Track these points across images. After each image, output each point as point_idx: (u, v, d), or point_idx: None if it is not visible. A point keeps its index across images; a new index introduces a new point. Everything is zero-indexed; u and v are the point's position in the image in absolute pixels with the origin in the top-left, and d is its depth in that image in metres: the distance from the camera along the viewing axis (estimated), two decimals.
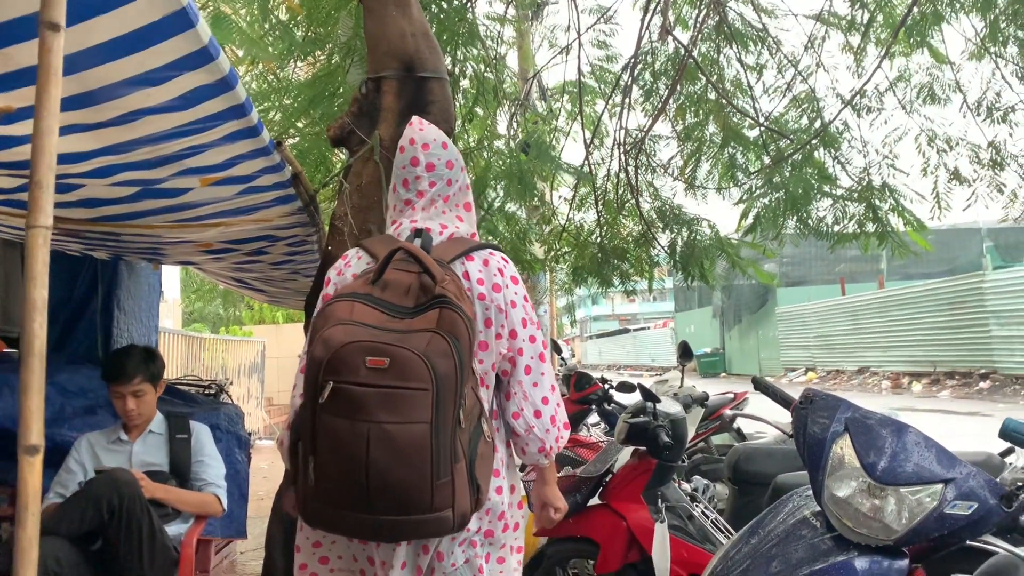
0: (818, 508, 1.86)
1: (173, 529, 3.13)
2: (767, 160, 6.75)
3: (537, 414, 1.99)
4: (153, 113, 2.39)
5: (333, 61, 5.16)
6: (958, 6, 6.40)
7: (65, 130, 2.37)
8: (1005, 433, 1.84)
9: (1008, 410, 11.95)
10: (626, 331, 47.74)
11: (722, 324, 31.42)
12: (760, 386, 2.25)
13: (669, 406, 3.19)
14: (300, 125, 5.42)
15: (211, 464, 3.36)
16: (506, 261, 2.09)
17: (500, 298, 2.00)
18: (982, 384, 16.33)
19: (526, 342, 2.00)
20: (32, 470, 1.27)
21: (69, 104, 2.21)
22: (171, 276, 14.60)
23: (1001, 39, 6.36)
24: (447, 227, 2.15)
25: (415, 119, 2.38)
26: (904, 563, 1.71)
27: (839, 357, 22.69)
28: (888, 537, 1.71)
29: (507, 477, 2.03)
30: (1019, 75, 6.41)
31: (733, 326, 30.55)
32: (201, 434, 3.41)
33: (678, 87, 6.94)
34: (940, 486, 1.69)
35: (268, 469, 8.48)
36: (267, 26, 4.87)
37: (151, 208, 3.32)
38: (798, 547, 1.81)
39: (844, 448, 1.78)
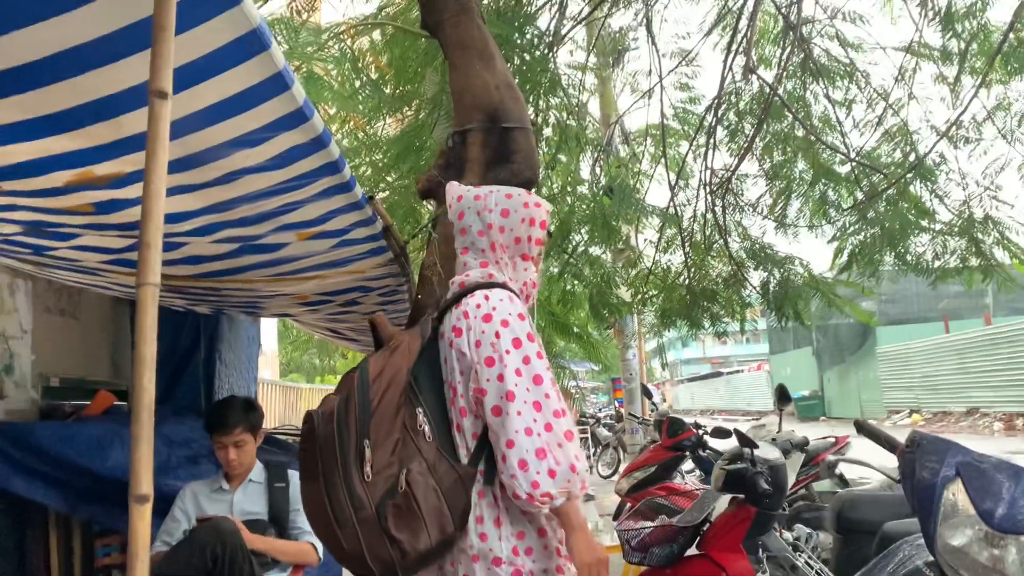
0: (931, 558, 1.76)
1: None
2: (860, 196, 6.57)
3: (503, 459, 1.92)
4: (252, 172, 2.50)
5: (420, 116, 5.32)
6: None
7: (170, 191, 2.50)
8: None
9: None
10: (719, 374, 46.69)
11: (820, 366, 30.41)
12: (863, 429, 2.15)
13: (767, 452, 3.08)
14: (390, 179, 5.58)
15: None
16: (486, 298, 2.08)
17: (462, 342, 2.06)
18: None
19: (491, 382, 1.98)
20: (142, 518, 1.31)
21: (174, 167, 2.33)
22: (268, 328, 15.08)
23: None
24: (463, 275, 2.26)
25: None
26: None
27: (945, 398, 21.63)
28: None
29: (503, 523, 1.99)
30: None
31: (832, 367, 29.53)
32: (298, 482, 3.48)
33: (764, 125, 6.86)
34: None
35: None
36: (357, 84, 5.05)
37: (250, 263, 3.46)
38: None
39: (957, 494, 1.69)
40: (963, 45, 6.15)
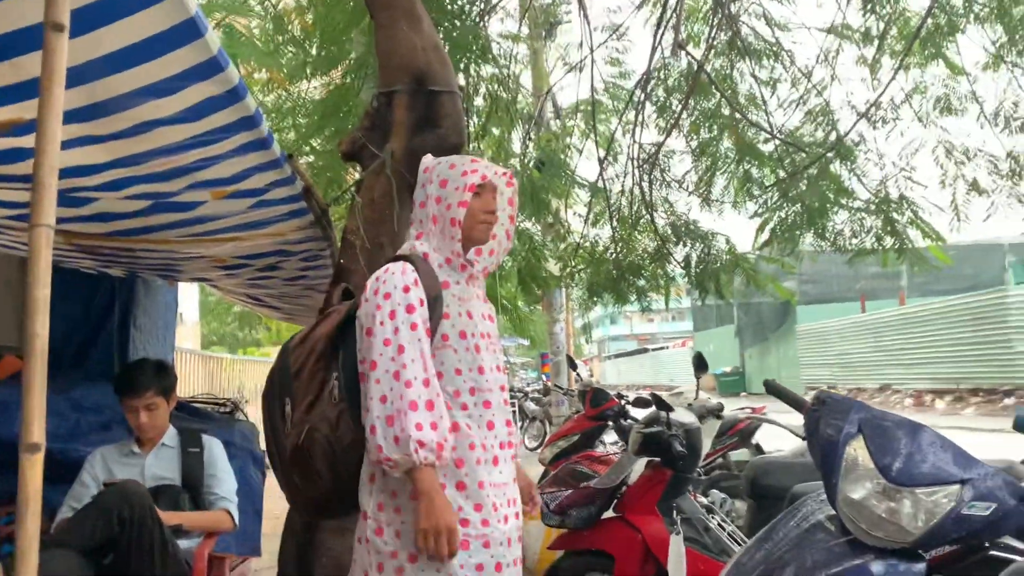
0: (832, 512, 1.82)
1: (185, 543, 3.12)
2: (782, 174, 6.71)
3: (363, 423, 2.07)
4: (163, 125, 2.41)
5: (346, 78, 5.21)
6: (973, 16, 6.36)
7: (76, 142, 2.40)
8: (1019, 425, 1.80)
9: None
10: (644, 351, 47.51)
11: (742, 343, 31.20)
12: (773, 389, 2.21)
13: (682, 416, 3.15)
14: (314, 143, 5.46)
15: (223, 479, 3.35)
16: (385, 271, 2.19)
17: (360, 313, 2.20)
18: (1007, 401, 16.08)
19: (365, 350, 2.13)
20: (33, 468, 1.26)
21: (79, 116, 2.23)
22: (190, 299, 14.71)
23: (1017, 49, 6.31)
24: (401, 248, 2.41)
25: None
26: (922, 566, 1.67)
27: (860, 375, 22.45)
28: (905, 540, 1.66)
29: (377, 480, 2.12)
30: None
31: (753, 345, 30.33)
32: (214, 448, 3.41)
33: (692, 102, 6.94)
34: (957, 487, 1.65)
35: None
36: (280, 40, 4.92)
37: (164, 222, 3.35)
38: (812, 551, 1.77)
39: (858, 450, 1.74)
40: (882, 26, 6.31)
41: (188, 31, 1.98)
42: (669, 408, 3.10)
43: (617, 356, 54.33)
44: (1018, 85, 6.37)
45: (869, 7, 6.15)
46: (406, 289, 2.11)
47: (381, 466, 2.02)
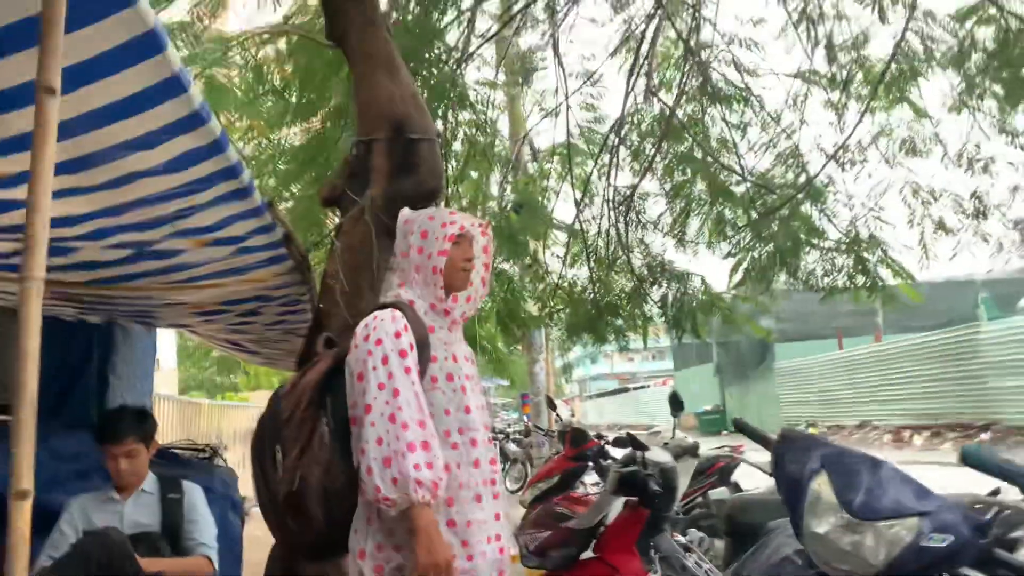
0: (800, 546, 1.88)
1: None
2: (754, 215, 6.86)
3: (359, 465, 2.15)
4: (146, 176, 2.47)
5: (326, 126, 5.31)
6: (934, 63, 6.59)
7: (61, 193, 2.45)
8: (964, 459, 1.87)
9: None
10: (625, 390, 47.45)
11: (722, 381, 31.30)
12: (741, 428, 2.28)
13: (658, 455, 3.20)
14: (294, 189, 5.54)
15: (203, 525, 3.35)
16: (374, 318, 2.28)
17: (350, 359, 2.28)
18: (983, 436, 16.23)
19: (358, 395, 2.20)
20: (22, 514, 1.30)
21: (65, 168, 2.29)
22: (167, 344, 14.63)
23: (977, 93, 6.54)
24: (383, 296, 2.49)
25: None
26: None
27: (839, 412, 22.57)
28: (867, 572, 1.72)
29: (374, 521, 2.19)
30: (996, 127, 6.58)
31: (733, 383, 30.44)
32: (193, 494, 3.41)
33: (665, 146, 7.11)
34: (916, 519, 1.71)
35: (264, 536, 8.36)
36: (261, 90, 5.01)
37: (145, 270, 3.39)
38: None
39: (822, 485, 1.81)
40: (846, 73, 6.52)
41: (172, 87, 2.05)
42: (644, 448, 3.16)
43: (599, 396, 54.21)
44: (979, 128, 6.58)
45: (830, 56, 6.35)
46: (397, 335, 2.21)
47: (379, 505, 2.08)
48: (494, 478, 2.35)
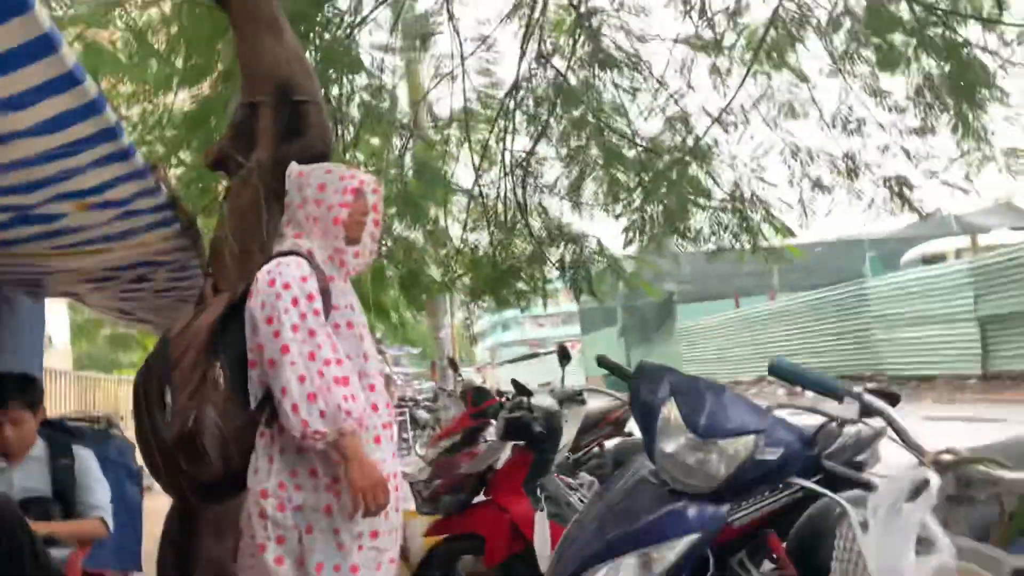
0: (654, 467, 2.07)
1: (58, 553, 3.12)
2: (645, 177, 7.10)
3: (279, 404, 2.21)
4: (20, 137, 2.45)
5: (216, 89, 5.23)
6: (810, 29, 6.91)
7: None
8: (771, 370, 2.09)
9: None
10: (536, 355, 47.66)
11: (627, 343, 32.11)
12: (603, 364, 2.45)
13: (542, 400, 3.38)
14: (183, 155, 5.45)
15: (95, 487, 3.37)
16: (277, 265, 2.36)
17: (251, 304, 2.33)
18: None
19: (268, 337, 2.25)
20: None
21: None
22: (60, 322, 14.10)
23: (849, 57, 6.90)
24: (278, 246, 2.54)
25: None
26: (726, 507, 1.93)
27: (737, 369, 23.52)
28: (712, 484, 1.92)
29: (275, 460, 2.28)
30: (867, 91, 6.97)
31: (638, 345, 31.26)
32: (86, 459, 3.41)
33: (559, 111, 7.26)
34: (752, 436, 1.92)
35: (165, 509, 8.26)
36: (145, 54, 4.91)
37: (26, 235, 3.33)
38: (638, 500, 2.01)
39: (671, 410, 2.00)
40: (728, 38, 6.80)
41: (42, 46, 2.05)
42: (529, 393, 3.33)
43: (510, 362, 54.66)
44: (852, 91, 6.95)
45: (711, 23, 6.61)
46: (303, 279, 2.30)
47: (306, 440, 2.16)
48: (389, 421, 2.48)
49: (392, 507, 2.38)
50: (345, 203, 2.48)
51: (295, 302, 2.25)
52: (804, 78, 7.22)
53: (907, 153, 6.82)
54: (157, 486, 2.70)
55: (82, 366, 16.01)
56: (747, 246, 7.23)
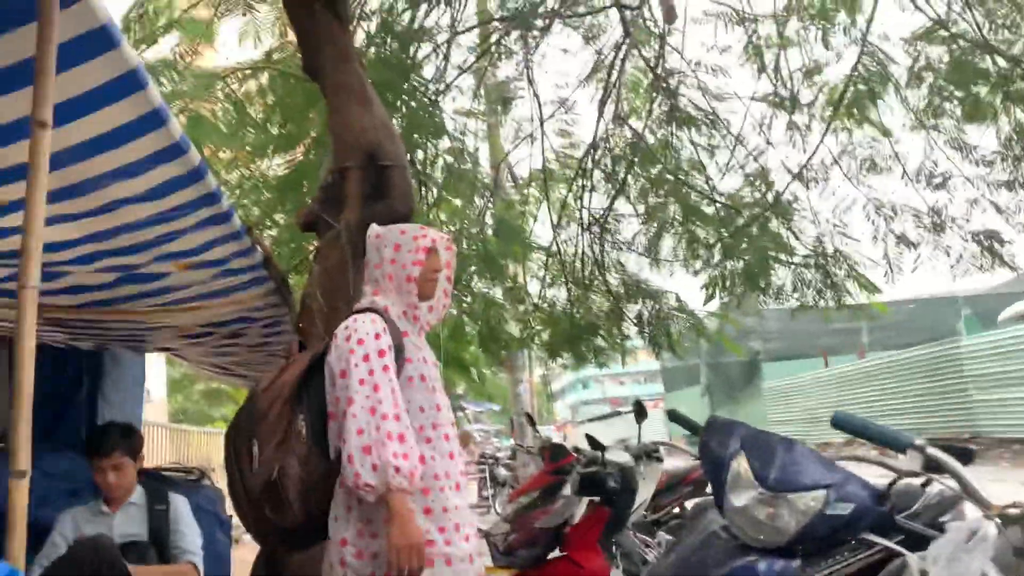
0: (724, 521, 2.07)
1: None
2: (725, 233, 7.10)
3: (341, 454, 2.30)
4: (131, 203, 2.67)
5: (308, 156, 5.53)
6: (891, 84, 6.86)
7: (53, 220, 2.65)
8: (834, 423, 2.07)
9: (991, 472, 12.11)
10: (618, 413, 47.09)
11: (711, 402, 31.42)
12: (673, 417, 2.47)
13: (617, 455, 3.39)
14: (277, 218, 5.74)
15: (187, 533, 3.51)
16: (353, 320, 2.48)
17: (330, 358, 2.47)
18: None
19: (341, 390, 2.38)
20: (20, 492, 1.49)
21: (55, 196, 2.49)
22: (157, 375, 14.73)
23: (933, 112, 6.81)
24: (357, 303, 2.68)
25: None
26: (796, 562, 1.91)
27: (826, 430, 22.58)
28: (781, 539, 1.92)
29: (353, 509, 2.36)
30: (953, 144, 6.85)
31: (723, 404, 30.54)
32: (179, 505, 3.57)
33: (637, 169, 7.36)
34: (823, 491, 1.91)
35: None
36: (243, 123, 5.23)
37: (132, 293, 3.58)
38: (709, 554, 2.01)
39: (741, 463, 2.01)
40: (807, 96, 6.80)
41: (153, 120, 2.26)
42: (603, 448, 3.35)
43: (591, 420, 54.11)
44: (936, 145, 6.84)
45: (787, 81, 6.63)
46: (377, 336, 2.42)
47: (359, 492, 2.25)
48: (465, 469, 2.58)
49: (477, 554, 2.45)
50: (418, 261, 2.61)
51: (366, 358, 2.36)
52: (886, 132, 7.15)
53: (996, 207, 6.64)
54: (246, 537, 2.83)
55: (177, 419, 16.64)
56: (831, 303, 7.10)
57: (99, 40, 1.88)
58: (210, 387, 17.27)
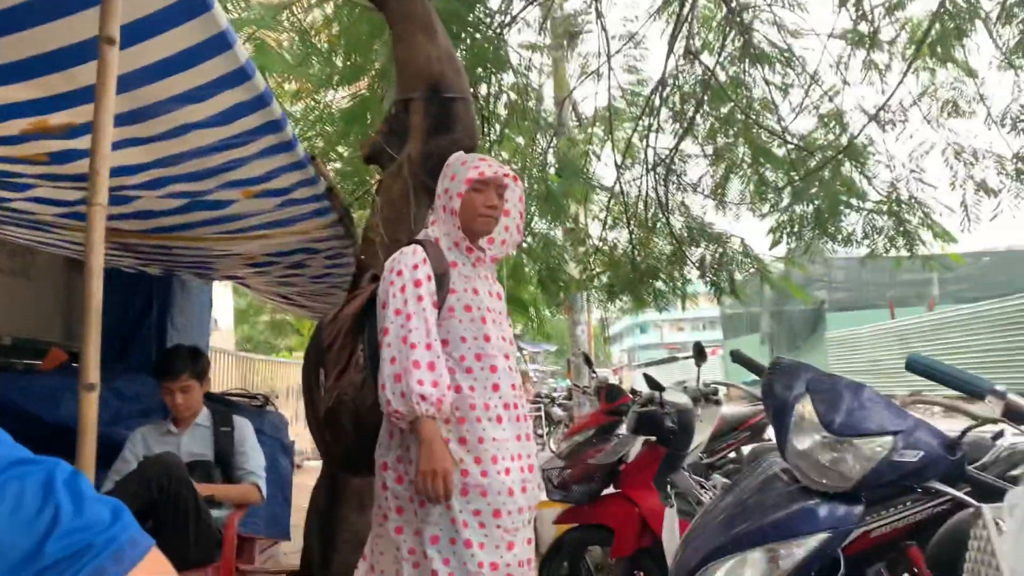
0: (786, 465, 2.03)
1: (216, 513, 3.39)
2: (795, 176, 6.88)
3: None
4: (197, 128, 2.68)
5: (374, 87, 5.50)
6: (981, 20, 6.48)
7: (121, 144, 2.68)
8: (908, 366, 1.99)
9: None
10: (674, 359, 46.69)
11: (772, 351, 31.07)
12: (737, 358, 2.42)
13: (675, 396, 3.36)
14: (341, 150, 5.75)
15: (252, 455, 3.62)
16: (401, 252, 2.52)
17: (379, 289, 2.54)
18: None
19: (381, 320, 2.46)
20: (90, 403, 1.53)
21: (124, 119, 2.51)
22: (224, 305, 15.12)
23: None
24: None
25: None
26: (860, 508, 1.87)
27: (890, 382, 22.29)
28: (845, 484, 1.87)
29: (395, 436, 2.44)
30: None
31: (784, 353, 30.18)
32: (243, 427, 3.68)
33: (707, 108, 7.14)
34: (891, 437, 1.85)
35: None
36: (308, 53, 5.21)
37: (199, 220, 3.63)
38: (768, 498, 1.98)
39: (805, 407, 1.95)
40: (890, 33, 6.46)
41: (219, 43, 2.25)
42: (661, 388, 3.32)
43: (647, 364, 54.09)
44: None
45: (869, 17, 6.30)
46: (415, 267, 2.44)
47: (391, 418, 2.33)
48: (516, 402, 2.53)
49: (520, 487, 2.44)
50: (460, 193, 2.58)
51: (403, 289, 2.40)
52: (971, 73, 6.78)
53: None
54: (308, 463, 2.93)
55: (243, 348, 17.13)
56: (904, 251, 6.85)
57: None
58: (275, 318, 17.67)
